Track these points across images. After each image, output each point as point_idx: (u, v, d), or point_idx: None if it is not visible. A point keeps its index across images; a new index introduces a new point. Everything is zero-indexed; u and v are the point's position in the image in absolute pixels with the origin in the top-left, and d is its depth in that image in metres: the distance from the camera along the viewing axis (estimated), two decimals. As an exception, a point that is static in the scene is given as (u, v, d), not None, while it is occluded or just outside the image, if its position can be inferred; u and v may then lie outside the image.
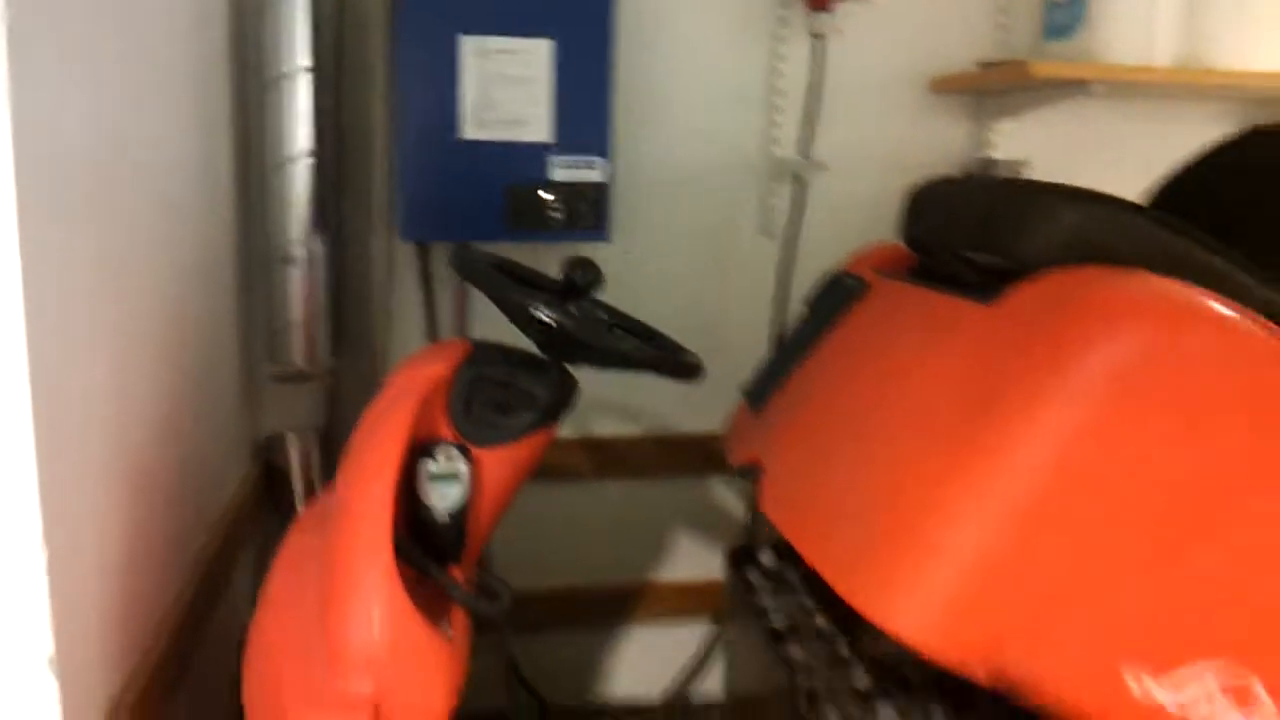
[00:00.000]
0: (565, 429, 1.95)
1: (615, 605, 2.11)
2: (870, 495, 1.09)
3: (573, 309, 1.22)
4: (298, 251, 1.63)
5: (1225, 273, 1.10)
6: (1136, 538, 0.97)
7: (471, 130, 1.67)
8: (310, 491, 1.75)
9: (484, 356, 1.26)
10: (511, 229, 1.70)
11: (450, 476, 1.17)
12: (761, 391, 1.55)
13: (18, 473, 0.82)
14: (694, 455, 2.07)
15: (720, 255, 2.01)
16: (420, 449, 1.16)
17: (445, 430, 1.21)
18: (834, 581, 1.06)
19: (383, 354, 1.84)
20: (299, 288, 1.64)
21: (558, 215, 1.72)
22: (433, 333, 1.89)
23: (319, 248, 1.65)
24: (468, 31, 1.63)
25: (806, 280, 1.96)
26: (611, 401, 2.04)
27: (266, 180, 1.63)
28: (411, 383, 1.17)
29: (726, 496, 2.13)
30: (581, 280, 1.21)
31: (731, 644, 1.84)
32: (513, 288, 1.20)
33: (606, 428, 2.04)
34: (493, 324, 1.52)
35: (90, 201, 0.99)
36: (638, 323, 1.41)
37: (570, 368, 1.31)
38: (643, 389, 2.02)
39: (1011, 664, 0.95)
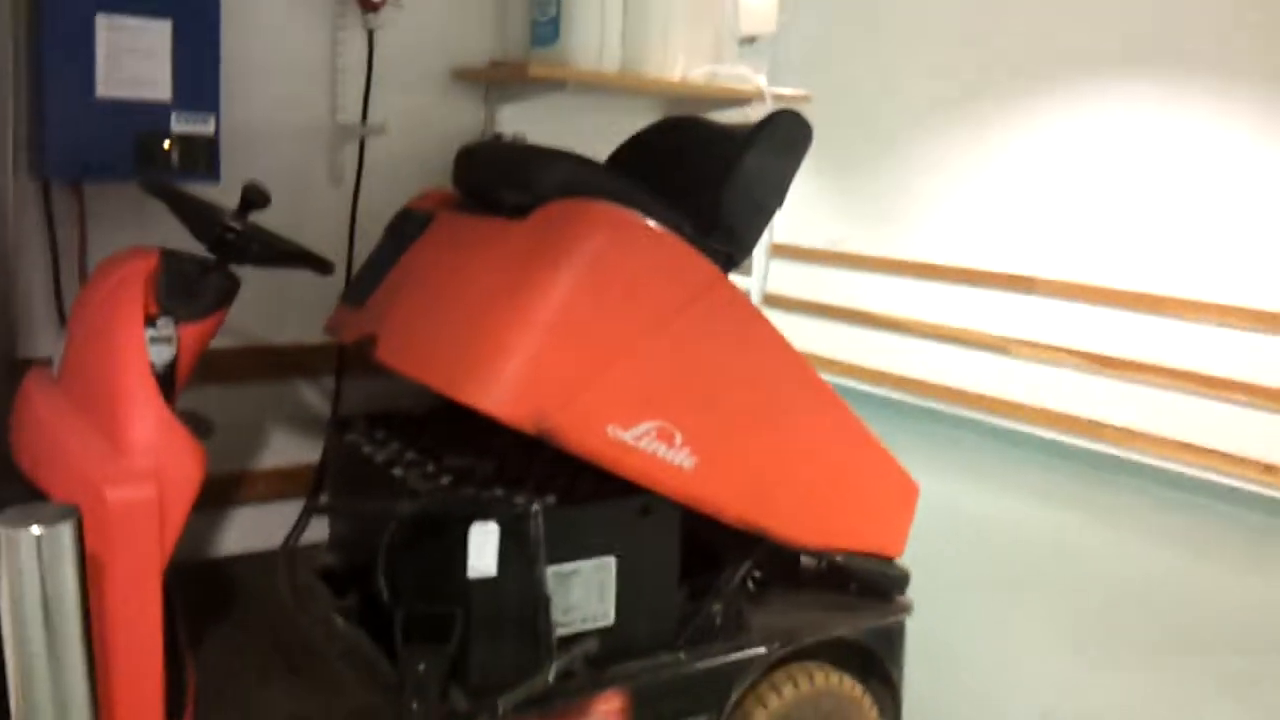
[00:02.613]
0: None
1: (223, 491, 2.55)
2: (459, 329, 1.78)
3: (246, 220, 1.75)
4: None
5: (644, 201, 1.93)
6: (616, 346, 1.76)
7: (104, 89, 2.05)
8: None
9: (175, 256, 1.73)
10: (139, 170, 2.11)
11: (165, 340, 1.65)
12: (361, 293, 2.16)
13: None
14: (281, 363, 2.58)
15: (300, 199, 2.54)
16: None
17: (153, 308, 1.68)
18: (440, 385, 1.73)
19: (9, 284, 2.13)
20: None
21: (175, 160, 2.16)
22: (54, 263, 2.21)
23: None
24: (102, 10, 2.02)
25: (368, 220, 2.56)
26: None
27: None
28: (133, 269, 1.63)
29: (310, 396, 2.67)
30: (256, 198, 1.74)
31: (336, 492, 2.42)
32: (203, 202, 1.70)
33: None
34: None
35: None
36: (277, 235, 1.94)
37: (233, 267, 1.83)
38: (237, 308, 2.50)
39: (551, 423, 1.69)
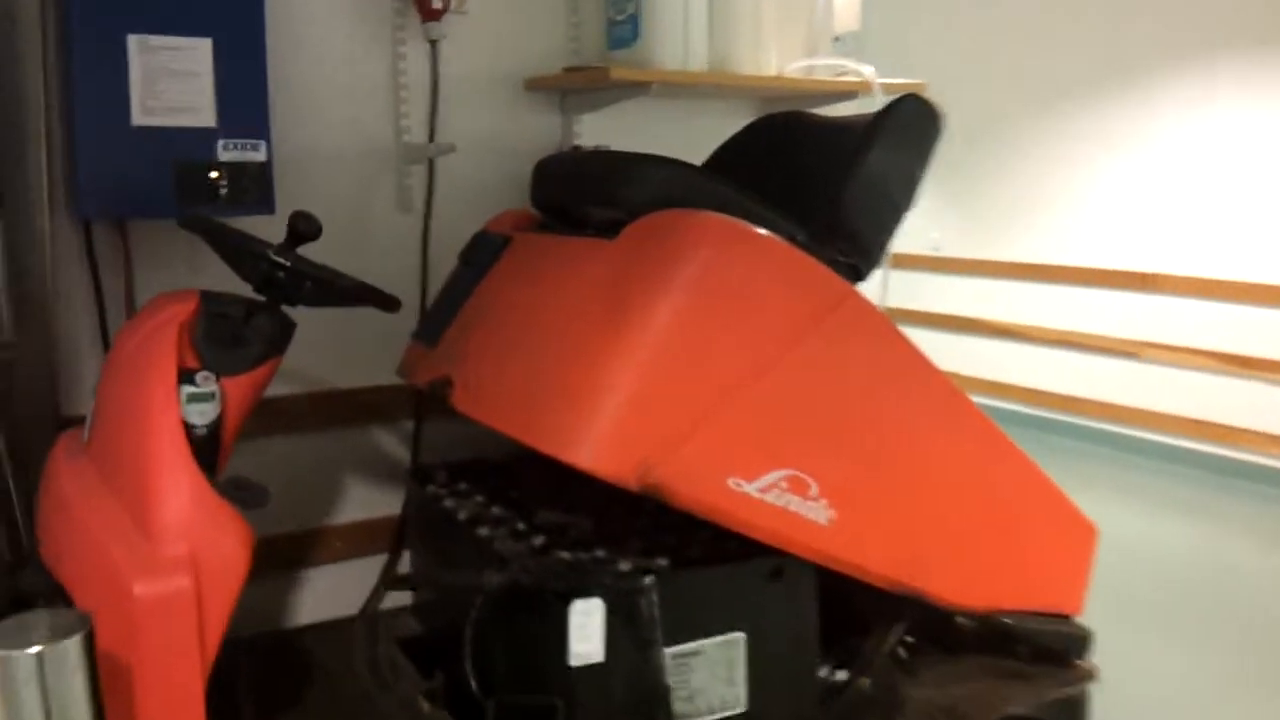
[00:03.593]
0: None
1: (294, 551, 2.33)
2: (544, 373, 1.50)
3: (297, 254, 1.51)
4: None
5: (753, 209, 1.64)
6: (731, 381, 1.47)
7: (141, 117, 1.84)
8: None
9: (215, 300, 1.50)
10: (181, 205, 1.89)
11: (207, 397, 1.41)
12: (434, 330, 1.90)
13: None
14: (351, 408, 2.35)
15: (365, 229, 2.31)
16: (178, 376, 1.39)
17: (191, 361, 1.44)
18: (526, 437, 1.45)
19: (52, 334, 1.93)
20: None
21: (224, 191, 1.94)
22: (100, 310, 2.01)
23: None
24: (134, 31, 1.81)
25: (441, 248, 2.32)
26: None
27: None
28: (164, 319, 1.40)
29: (387, 442, 2.44)
30: (305, 229, 1.50)
31: (416, 550, 2.17)
32: (247, 236, 1.46)
33: (273, 388, 2.26)
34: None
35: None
36: (334, 270, 1.70)
37: (286, 308, 1.58)
38: (298, 350, 2.28)
39: (658, 477, 1.40)
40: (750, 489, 1.44)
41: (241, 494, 1.40)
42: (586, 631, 1.41)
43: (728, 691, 1.53)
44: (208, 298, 1.50)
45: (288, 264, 1.45)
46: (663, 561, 1.59)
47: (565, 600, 1.41)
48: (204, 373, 1.41)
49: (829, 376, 1.53)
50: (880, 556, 1.55)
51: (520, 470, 2.08)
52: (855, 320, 1.56)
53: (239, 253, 1.49)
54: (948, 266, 6.03)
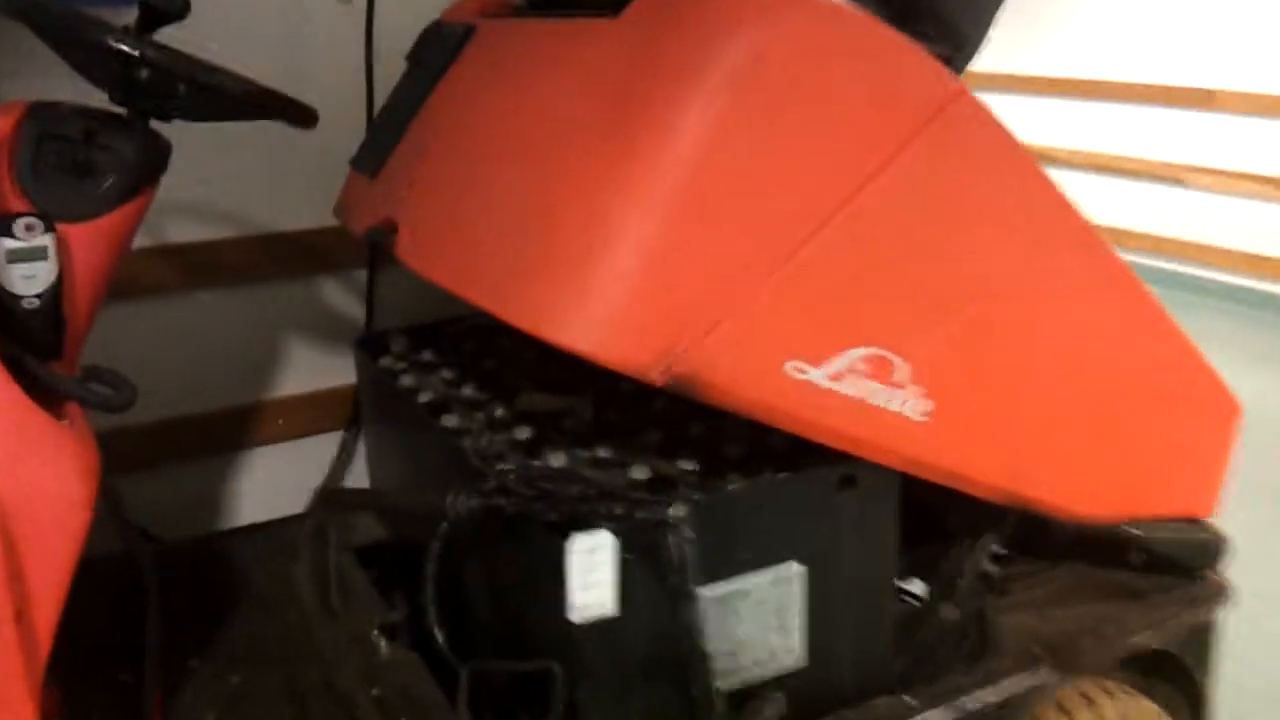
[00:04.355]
0: (140, 236, 1.70)
1: (232, 429, 1.93)
2: (524, 218, 1.05)
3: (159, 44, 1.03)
4: None
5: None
6: (790, 224, 1.02)
7: None
8: None
9: (48, 113, 1.03)
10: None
11: (35, 254, 0.96)
12: (377, 156, 1.44)
13: None
14: (291, 256, 1.90)
15: (289, 21, 1.80)
16: (-15, 226, 0.94)
17: (16, 203, 0.99)
18: (500, 310, 1.02)
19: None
20: None
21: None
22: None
23: None
24: None
25: (391, 45, 1.81)
26: (191, 201, 1.80)
27: None
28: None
29: (338, 296, 2.00)
30: (164, 3, 1.02)
31: (374, 437, 1.77)
32: (83, 18, 0.98)
33: (188, 231, 1.81)
34: None
35: None
36: (217, 68, 1.21)
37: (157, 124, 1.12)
38: (227, 185, 1.81)
39: (690, 366, 0.98)
40: (817, 376, 1.02)
41: (96, 393, 0.97)
42: (592, 576, 1.02)
43: (779, 642, 1.15)
44: (37, 111, 1.03)
45: (137, 53, 0.98)
46: (689, 465, 1.18)
47: (561, 533, 1.01)
48: (28, 219, 0.96)
49: (925, 214, 1.08)
50: (986, 458, 1.14)
51: (499, 336, 1.66)
52: (964, 132, 1.09)
53: (73, 43, 1.01)
54: (974, 81, 5.45)
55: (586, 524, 1.03)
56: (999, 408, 1.14)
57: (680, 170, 0.97)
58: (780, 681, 1.16)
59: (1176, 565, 1.41)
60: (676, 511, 0.99)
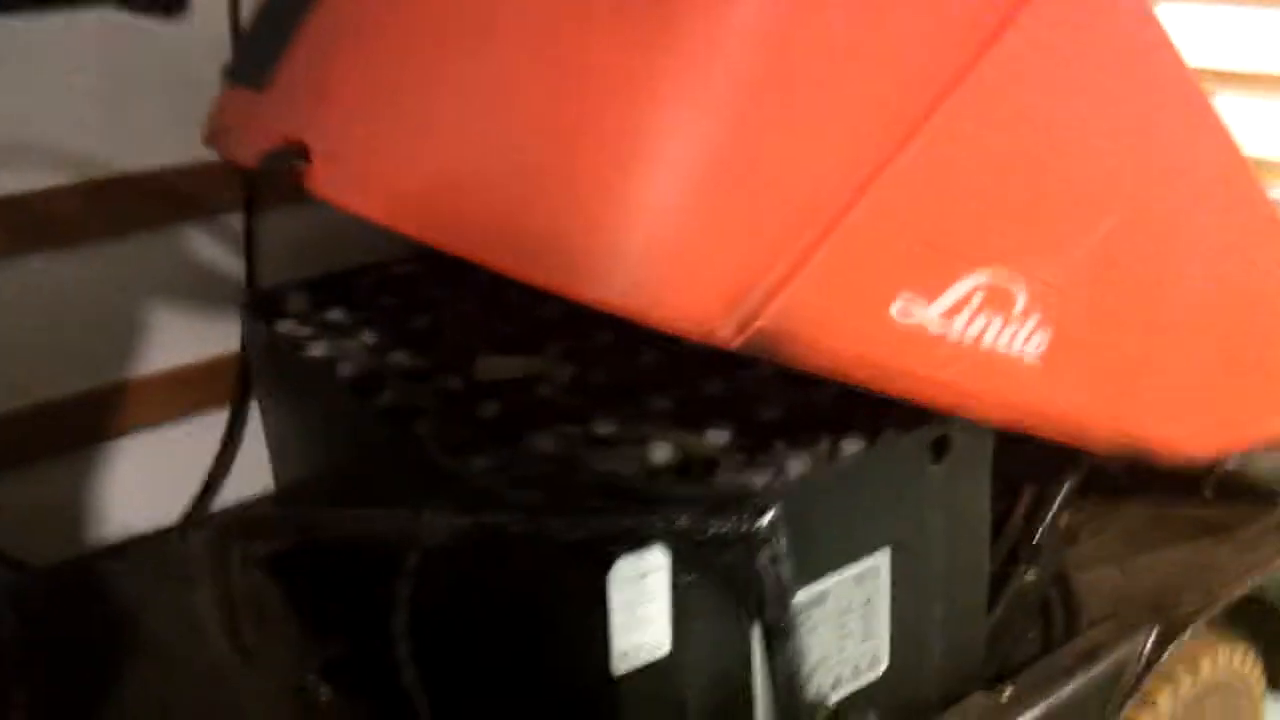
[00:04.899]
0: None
1: (85, 419, 1.57)
2: (521, 129, 0.74)
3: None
4: None
5: None
6: (876, 132, 0.74)
7: None
8: None
9: None
10: None
11: None
12: (262, 63, 1.09)
13: None
14: (146, 202, 1.54)
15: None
16: None
17: None
18: (498, 259, 0.71)
19: None
20: None
21: None
22: None
23: None
24: None
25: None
26: (17, 142, 1.43)
27: None
28: None
29: (207, 248, 1.64)
30: None
31: (276, 424, 1.44)
32: None
33: (4, 182, 1.43)
34: None
35: None
36: None
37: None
38: (50, 119, 1.43)
39: (770, 318, 0.70)
40: (929, 316, 0.75)
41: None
42: (640, 610, 0.74)
43: (861, 650, 0.91)
44: None
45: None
46: (721, 439, 0.92)
47: (594, 556, 0.73)
48: None
49: (1040, 105, 0.81)
50: (1102, 404, 0.91)
51: (426, 282, 1.35)
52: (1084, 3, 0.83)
53: None
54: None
55: (625, 540, 0.75)
56: (1125, 340, 0.90)
57: (746, 45, 0.67)
58: (866, 694, 0.92)
59: (1254, 491, 1.23)
60: (769, 521, 0.72)
